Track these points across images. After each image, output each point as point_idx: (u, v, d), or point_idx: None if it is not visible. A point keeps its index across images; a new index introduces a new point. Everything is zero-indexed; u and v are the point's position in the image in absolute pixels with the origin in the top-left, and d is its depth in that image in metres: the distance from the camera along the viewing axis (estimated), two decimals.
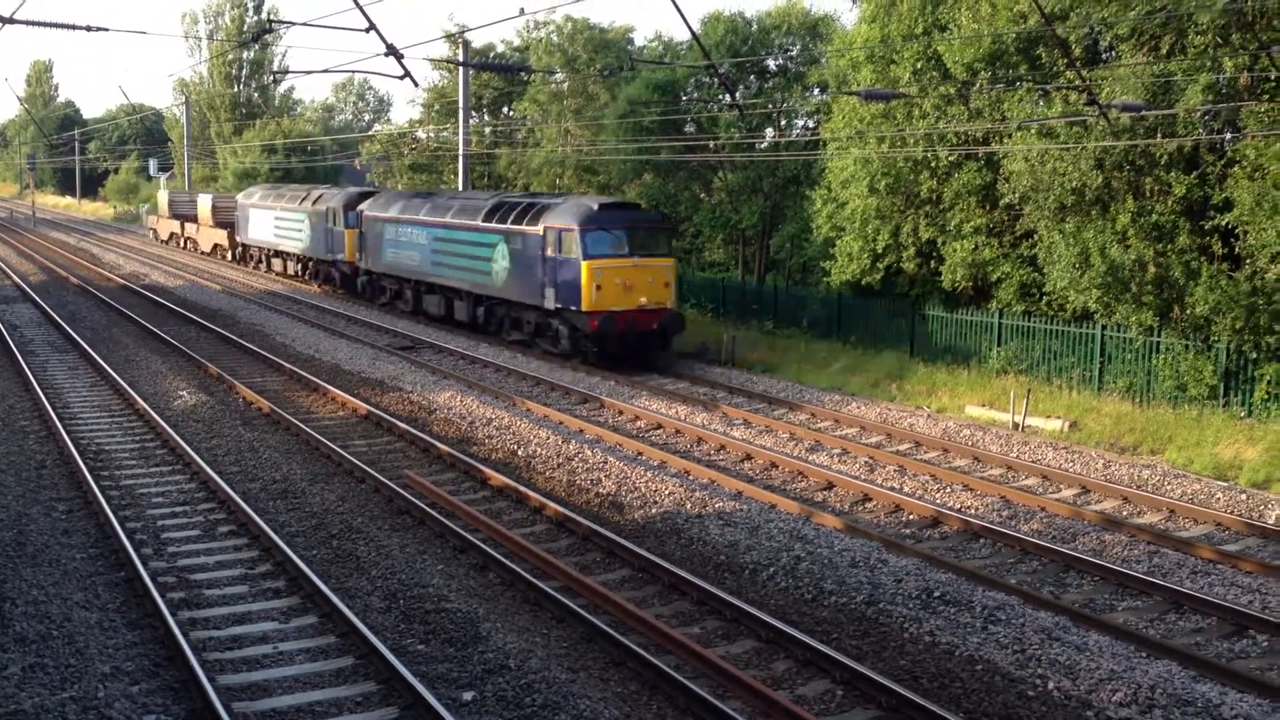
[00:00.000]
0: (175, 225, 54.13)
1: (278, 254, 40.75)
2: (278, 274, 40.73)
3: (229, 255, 46.64)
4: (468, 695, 8.91)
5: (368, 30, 14.53)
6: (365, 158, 60.96)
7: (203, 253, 49.83)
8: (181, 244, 53.80)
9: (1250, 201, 19.33)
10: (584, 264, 21.83)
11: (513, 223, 24.02)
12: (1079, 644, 9.70)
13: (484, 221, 25.25)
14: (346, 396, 19.33)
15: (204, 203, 49.57)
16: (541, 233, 22.90)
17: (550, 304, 22.92)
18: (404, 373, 21.86)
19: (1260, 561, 11.68)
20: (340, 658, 9.51)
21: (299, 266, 39.03)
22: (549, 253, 22.69)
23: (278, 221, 39.35)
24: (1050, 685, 9.04)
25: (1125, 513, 13.64)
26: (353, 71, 21.60)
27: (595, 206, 22.59)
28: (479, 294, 26.19)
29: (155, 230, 58.90)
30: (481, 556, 11.73)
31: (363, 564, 11.71)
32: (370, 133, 75.25)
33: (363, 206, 32.33)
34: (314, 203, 36.11)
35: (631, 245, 22.34)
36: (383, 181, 59.18)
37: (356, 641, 9.65)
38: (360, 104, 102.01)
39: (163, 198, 57.62)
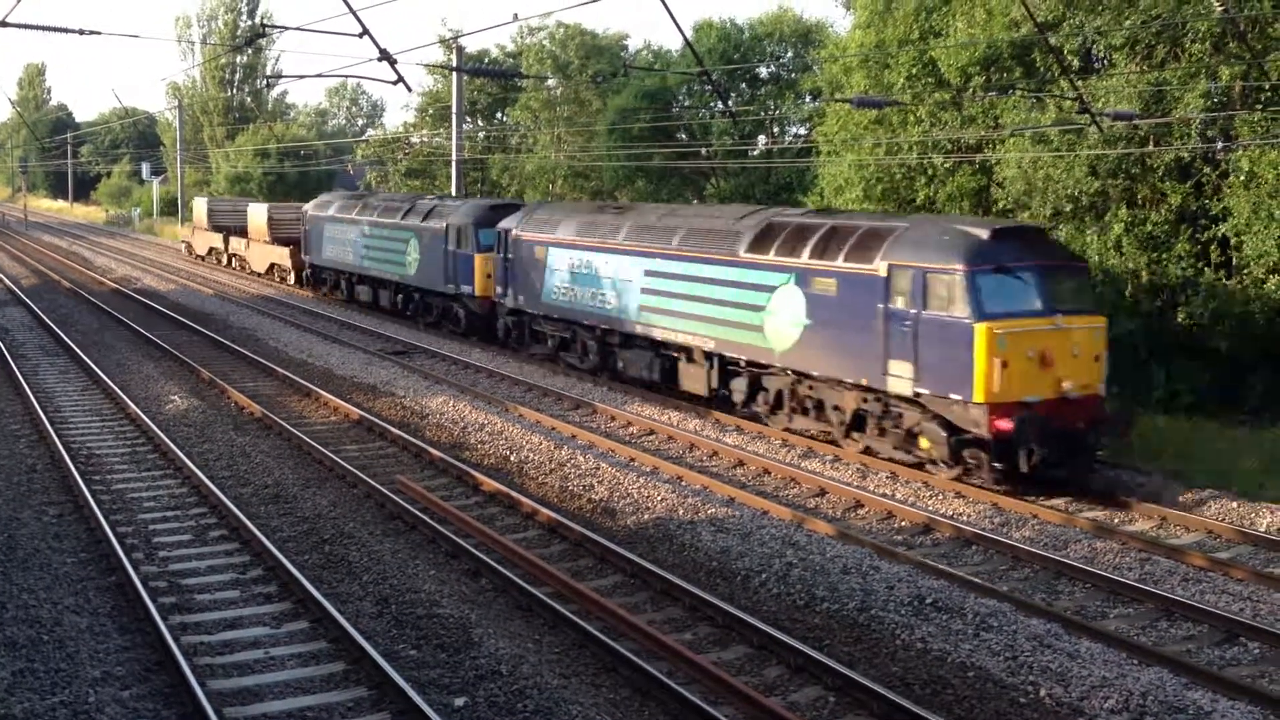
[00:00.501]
0: (216, 239, 46.09)
1: (364, 280, 32.26)
2: (364, 304, 32.44)
3: (291, 278, 38.54)
4: (460, 701, 8.91)
5: (361, 35, 14.56)
6: (360, 160, 61.03)
7: (254, 273, 42.08)
8: (225, 261, 45.54)
9: (1247, 211, 19.42)
10: (979, 328, 13.91)
11: (813, 256, 16.23)
12: (1071, 651, 9.72)
13: (752, 253, 17.34)
14: (339, 401, 19.31)
15: (257, 213, 41.45)
16: (883, 274, 15.12)
17: (904, 386, 14.90)
18: (396, 378, 21.84)
19: (1252, 569, 11.71)
20: (332, 663, 9.50)
21: (397, 298, 30.43)
22: (899, 305, 14.90)
23: (367, 240, 31.12)
24: (1042, 692, 9.06)
25: (1117, 520, 13.66)
26: (346, 76, 21.98)
27: (984, 235, 14.69)
28: (736, 357, 18.08)
29: (190, 244, 50.46)
30: (474, 562, 11.72)
31: (354, 569, 11.70)
32: (364, 137, 75.37)
33: (508, 224, 24.22)
34: (425, 217, 27.99)
35: (1047, 297, 14.42)
36: (377, 186, 59.24)
37: (348, 647, 9.63)
38: (354, 109, 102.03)
39: (200, 207, 49.22)
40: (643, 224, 20.39)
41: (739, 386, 18.22)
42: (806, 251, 16.44)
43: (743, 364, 17.98)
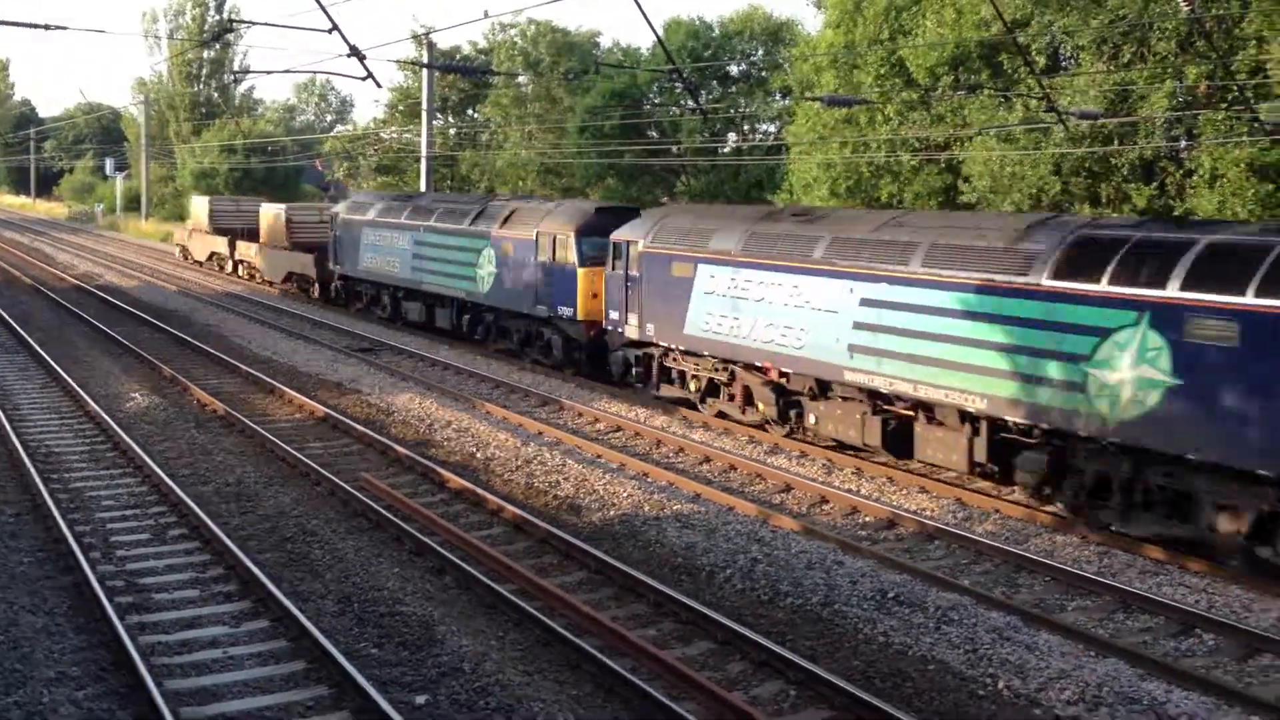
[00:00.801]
0: (219, 244, 41.02)
1: (414, 296, 27.47)
2: (415, 325, 27.74)
3: (316, 291, 33.62)
4: (421, 699, 8.87)
5: (330, 31, 14.47)
6: (327, 155, 60.71)
7: (268, 282, 37.15)
8: (230, 268, 40.62)
9: (1212, 210, 19.62)
10: None
11: (1188, 286, 11.59)
12: (1029, 643, 9.80)
13: (1064, 280, 12.61)
14: (303, 399, 19.17)
15: (271, 215, 36.80)
16: None
17: None
18: (362, 375, 21.71)
19: (1208, 562, 11.82)
20: (292, 662, 9.42)
21: (462, 319, 25.60)
22: None
23: (422, 249, 26.53)
24: (1000, 684, 9.12)
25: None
26: (315, 72, 21.62)
27: None
28: (1025, 423, 13.21)
29: (186, 249, 45.35)
30: (438, 559, 11.67)
31: (316, 567, 11.61)
32: (334, 133, 74.89)
33: (630, 234, 19.36)
34: (504, 223, 23.44)
35: None
36: (346, 183, 58.88)
37: (309, 645, 9.55)
38: (322, 104, 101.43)
39: (200, 206, 43.98)
40: (853, 236, 15.53)
41: (1032, 464, 13.22)
42: (1174, 280, 11.62)
43: (1037, 433, 13.24)
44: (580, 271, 20.88)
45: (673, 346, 18.55)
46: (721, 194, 35.38)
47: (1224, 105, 20.69)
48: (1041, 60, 23.66)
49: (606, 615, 10.34)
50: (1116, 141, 22.03)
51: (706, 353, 17.83)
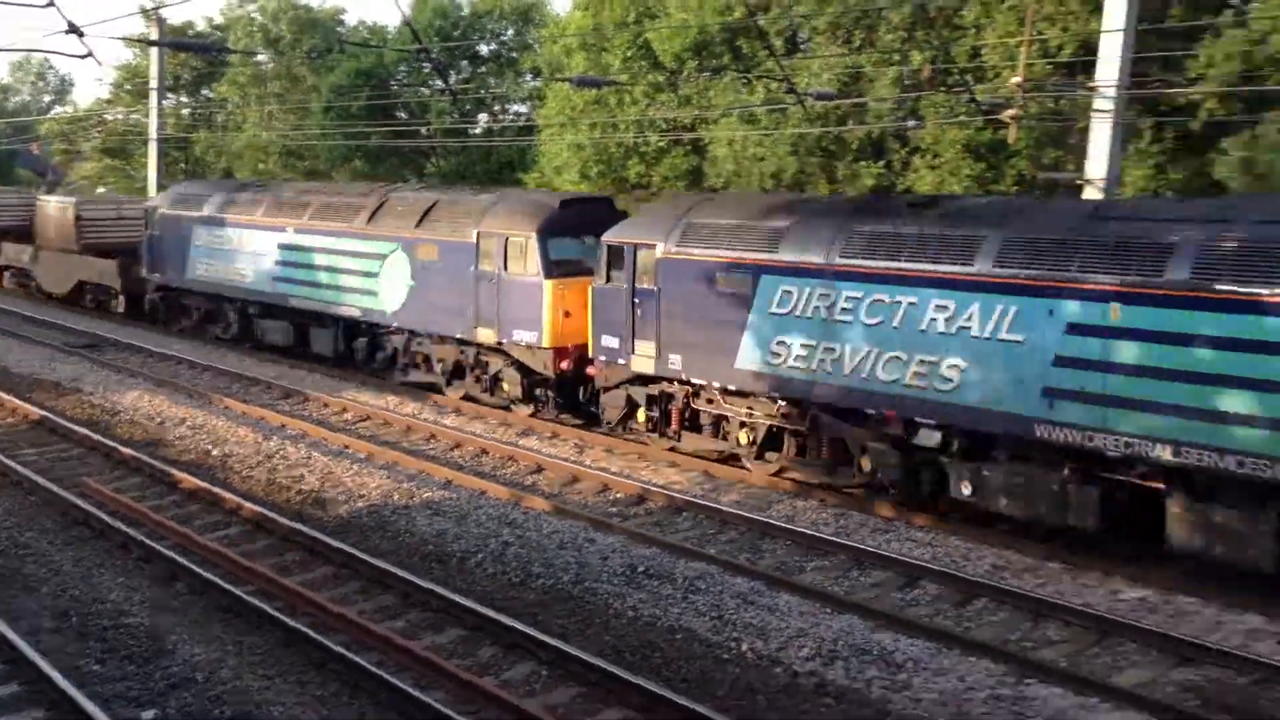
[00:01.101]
0: None
1: (277, 313, 21.82)
2: (275, 347, 22.18)
3: (119, 305, 27.42)
4: (148, 714, 8.37)
5: (47, 5, 13.29)
6: (46, 137, 56.04)
7: (46, 294, 30.20)
8: None
9: (931, 189, 20.98)
10: None
11: None
12: (771, 605, 10.19)
13: None
14: (16, 401, 17.55)
15: (52, 210, 29.65)
16: None
17: None
18: (85, 373, 20.12)
19: (932, 517, 12.62)
20: (4, 685, 8.68)
21: (356, 342, 20.28)
22: None
23: (288, 254, 21.05)
24: (744, 647, 9.43)
25: (817, 480, 14.38)
26: (30, 50, 19.58)
27: None
28: None
29: None
30: (168, 565, 10.97)
31: (30, 583, 10.72)
32: (52, 115, 69.10)
33: (636, 235, 15.08)
34: (421, 220, 18.37)
35: None
36: (65, 167, 54.48)
37: (22, 667, 8.81)
38: (40, 84, 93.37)
39: None
40: (1047, 236, 11.38)
41: None
42: None
43: None
44: (548, 285, 16.19)
45: (712, 384, 14.28)
46: (472, 175, 34.99)
47: (944, 88, 22.16)
48: (780, 44, 24.61)
49: (353, 610, 10.04)
50: (850, 122, 23.21)
51: (777, 394, 13.57)
